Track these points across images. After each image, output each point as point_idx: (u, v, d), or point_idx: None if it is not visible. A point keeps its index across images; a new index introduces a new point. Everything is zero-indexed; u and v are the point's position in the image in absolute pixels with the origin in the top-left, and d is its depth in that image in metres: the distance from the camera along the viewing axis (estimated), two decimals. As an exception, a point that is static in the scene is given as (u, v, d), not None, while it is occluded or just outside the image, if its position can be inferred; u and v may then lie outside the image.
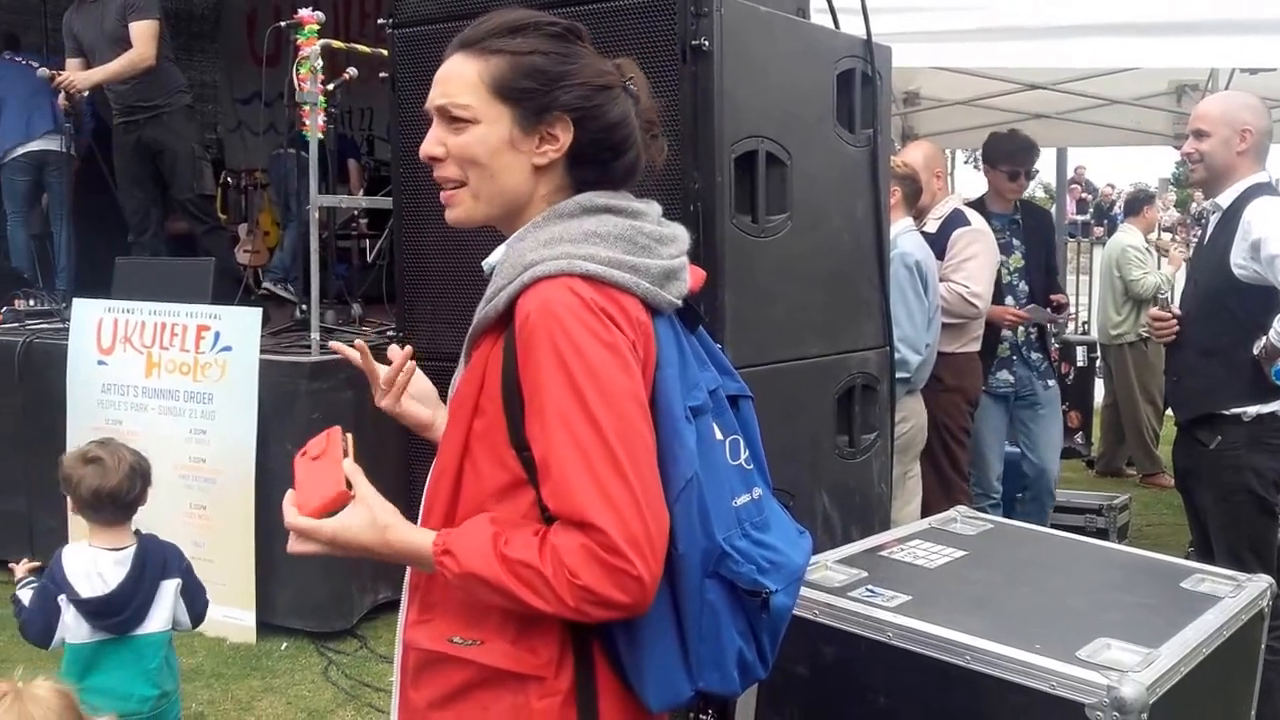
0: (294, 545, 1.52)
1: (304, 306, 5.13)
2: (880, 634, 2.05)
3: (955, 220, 4.56)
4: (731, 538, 1.48)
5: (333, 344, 1.86)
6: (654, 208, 1.58)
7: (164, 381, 4.82)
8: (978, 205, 4.92)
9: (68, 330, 5.17)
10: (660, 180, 2.45)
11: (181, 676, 4.19)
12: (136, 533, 2.95)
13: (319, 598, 4.64)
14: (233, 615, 4.61)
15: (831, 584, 2.23)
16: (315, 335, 4.71)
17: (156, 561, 2.92)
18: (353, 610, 4.69)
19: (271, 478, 4.63)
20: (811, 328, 2.74)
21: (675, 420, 1.45)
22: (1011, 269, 4.88)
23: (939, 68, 5.99)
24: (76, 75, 5.76)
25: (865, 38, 2.88)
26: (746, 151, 2.48)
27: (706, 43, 2.34)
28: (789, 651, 1.67)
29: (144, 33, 5.71)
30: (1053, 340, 5.26)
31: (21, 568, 2.98)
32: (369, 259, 6.84)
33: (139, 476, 2.90)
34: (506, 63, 1.49)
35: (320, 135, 4.73)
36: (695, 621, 1.46)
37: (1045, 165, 7.91)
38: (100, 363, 5.01)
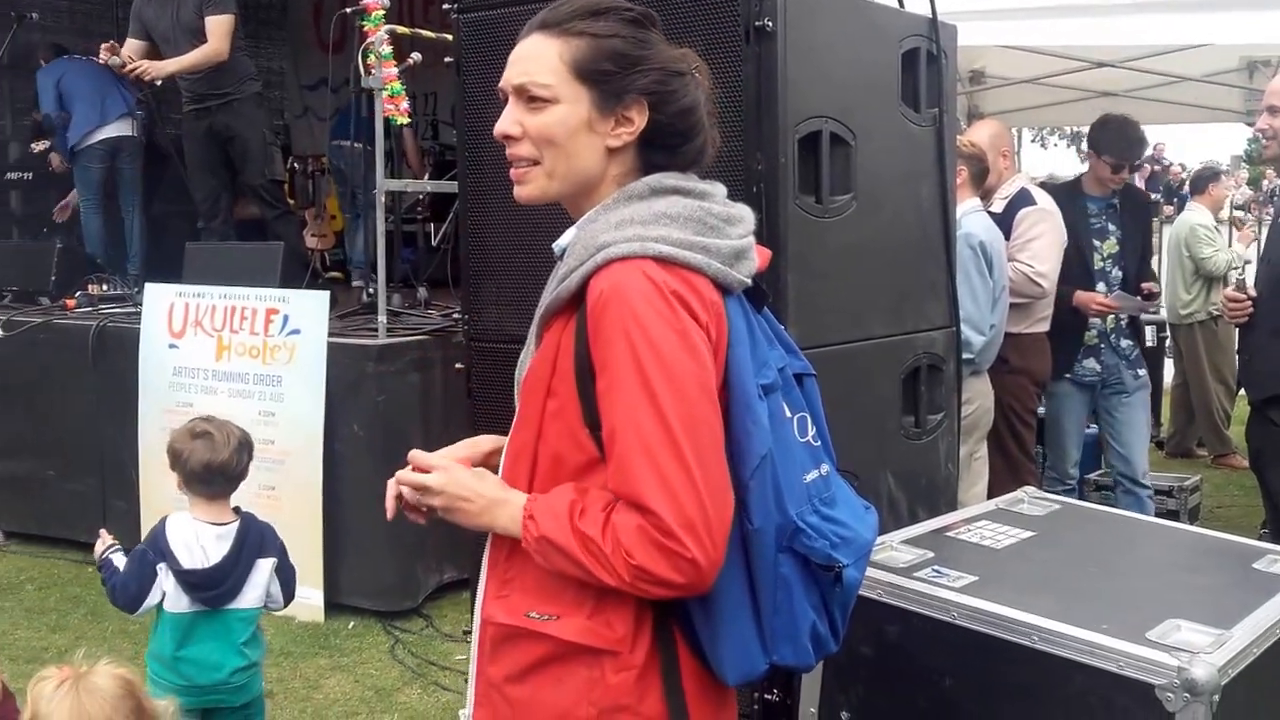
0: (411, 494, 1.59)
1: (371, 290, 5.21)
2: (945, 614, 2.05)
3: (1021, 200, 4.51)
4: (804, 513, 1.51)
5: None
6: (719, 189, 1.60)
7: (234, 364, 4.93)
8: (1073, 185, 4.81)
9: (140, 314, 5.29)
10: (723, 162, 2.46)
11: (257, 653, 4.33)
12: (237, 510, 3.01)
13: (385, 578, 4.72)
14: (301, 594, 4.67)
15: (897, 564, 2.22)
16: (382, 318, 4.78)
17: (255, 540, 2.98)
18: (418, 590, 4.77)
19: (339, 459, 4.72)
20: (876, 308, 2.73)
21: (749, 398, 1.47)
22: (1105, 255, 4.74)
23: (1005, 46, 5.90)
24: (152, 64, 5.88)
25: (930, 16, 2.85)
26: (810, 132, 2.47)
27: (770, 23, 2.34)
28: (854, 631, 1.68)
29: (220, 28, 5.81)
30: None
31: (106, 537, 3.03)
32: (434, 243, 6.92)
33: (245, 450, 2.98)
34: (587, 45, 1.51)
35: (401, 120, 4.78)
36: (770, 596, 1.48)
37: (1113, 145, 7.77)
38: (171, 346, 5.13)
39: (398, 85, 4.81)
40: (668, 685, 1.49)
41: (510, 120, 1.54)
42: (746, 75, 2.36)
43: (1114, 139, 4.64)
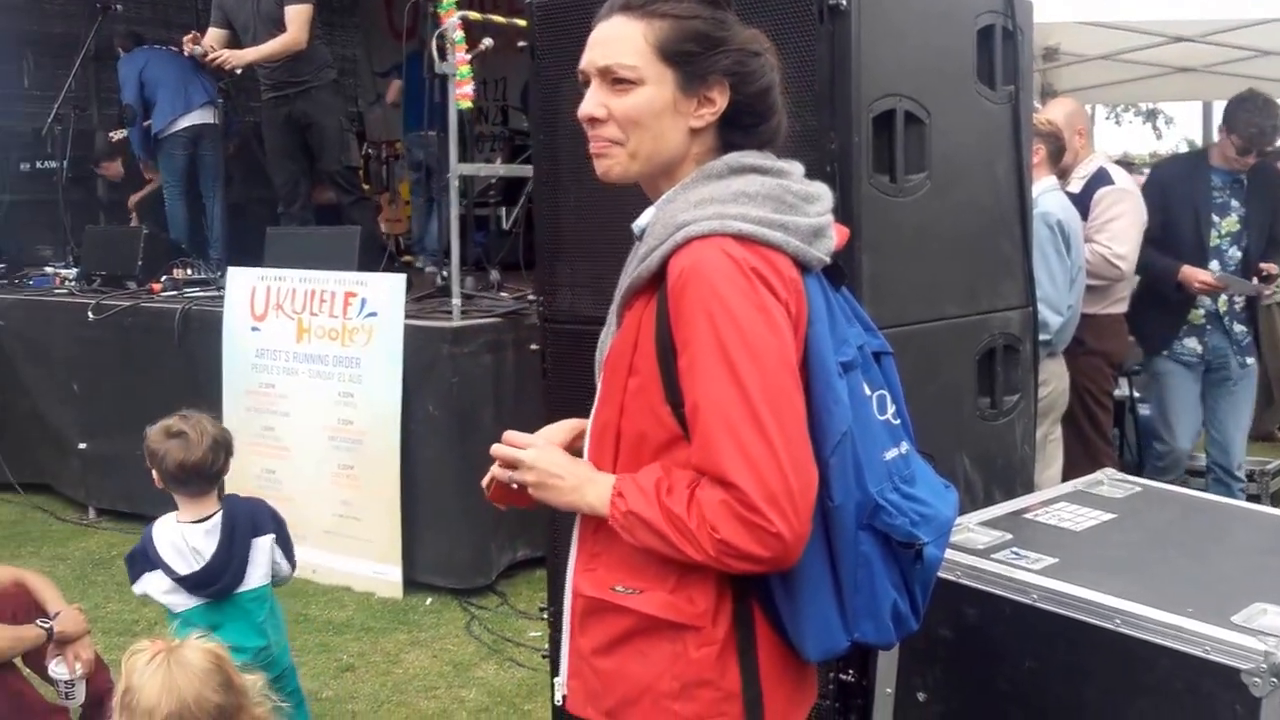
0: (504, 473, 1.63)
1: (445, 273, 5.28)
2: (1025, 596, 2.04)
3: (1100, 179, 4.42)
4: (884, 490, 1.51)
5: None
6: (797, 167, 1.60)
7: (313, 346, 5.04)
8: (1199, 155, 4.65)
9: (223, 298, 5.43)
10: (797, 142, 2.45)
11: (333, 630, 4.45)
12: (220, 497, 3.02)
13: (460, 555, 4.81)
14: (380, 571, 4.82)
15: (975, 546, 2.22)
16: (456, 301, 4.85)
17: (246, 522, 3.00)
18: (491, 568, 4.84)
19: (414, 439, 4.81)
20: (951, 288, 2.71)
21: (829, 375, 1.48)
22: (1223, 232, 4.58)
23: (1079, 21, 5.78)
24: (232, 53, 6.01)
25: (1006, -9, 2.81)
26: (884, 111, 2.45)
27: (844, 2, 2.32)
28: (932, 613, 1.68)
29: (299, 17, 5.92)
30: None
31: None
32: (505, 226, 6.98)
33: (221, 449, 2.97)
34: (670, 26, 1.52)
35: (465, 104, 4.83)
36: (850, 573, 1.50)
37: (1191, 120, 7.60)
38: (254, 328, 5.26)
39: (465, 70, 4.86)
40: (743, 661, 1.50)
41: (595, 103, 1.56)
42: (820, 54, 2.35)
43: (1246, 121, 4.44)
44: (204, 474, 2.94)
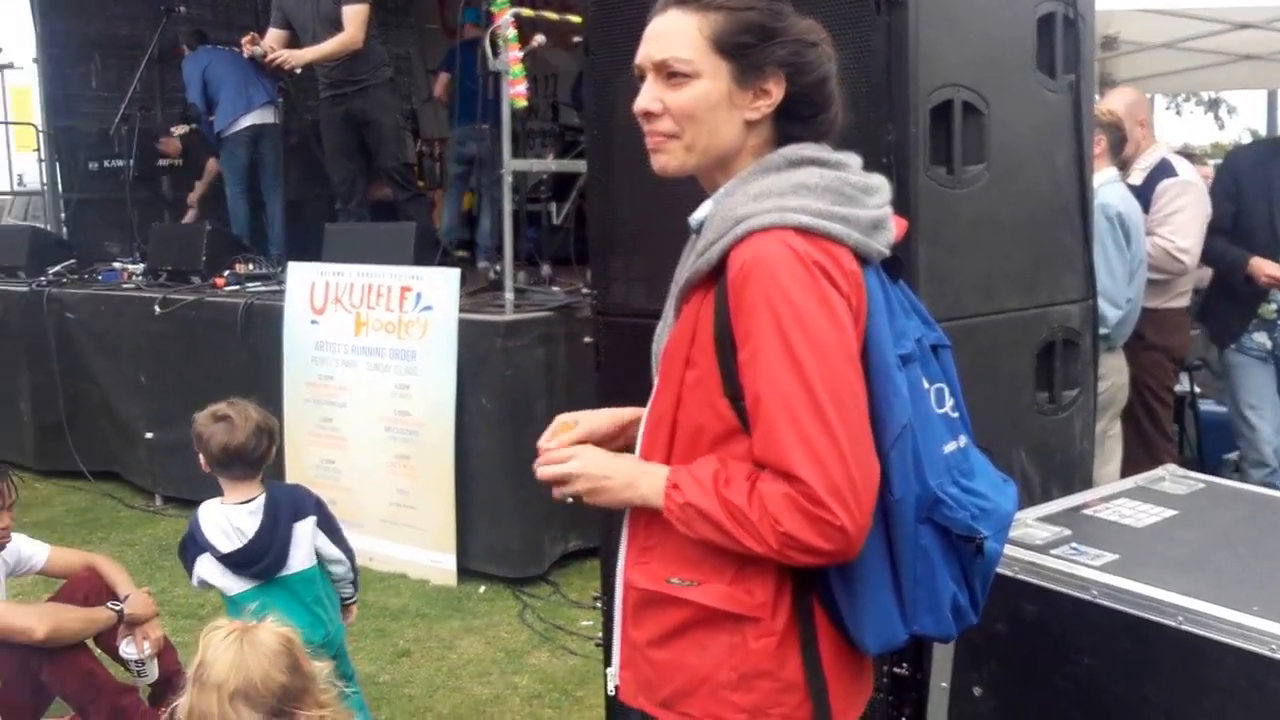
0: (558, 490, 1.63)
1: (498, 268, 5.32)
2: (1085, 593, 2.02)
3: (1162, 171, 4.34)
4: (943, 484, 1.51)
5: None
6: (855, 159, 1.59)
7: (371, 339, 5.11)
8: (1275, 144, 4.50)
9: (284, 292, 5.53)
10: (853, 133, 2.43)
11: (389, 616, 4.51)
12: (263, 482, 3.09)
13: (513, 545, 4.86)
14: (435, 559, 4.88)
15: (1033, 541, 2.19)
16: (509, 295, 4.90)
17: (287, 506, 3.06)
18: (544, 557, 4.89)
19: (468, 431, 4.86)
20: (1009, 280, 2.68)
21: (888, 368, 1.48)
22: None
23: (1139, 9, 5.67)
24: (290, 53, 6.10)
25: (1068, -21, 2.77)
26: (942, 101, 2.43)
27: (902, -9, 2.31)
28: (989, 608, 1.66)
29: (357, 17, 6.01)
30: None
31: None
32: (556, 222, 7.02)
33: (264, 435, 3.04)
34: (725, 18, 1.52)
35: (520, 103, 4.87)
36: (910, 566, 1.49)
37: (1255, 109, 7.43)
38: (313, 322, 5.35)
39: (518, 69, 4.89)
40: (806, 652, 1.50)
41: (650, 97, 1.56)
42: (876, 44, 2.33)
43: None
44: (246, 458, 3.01)
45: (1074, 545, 2.17)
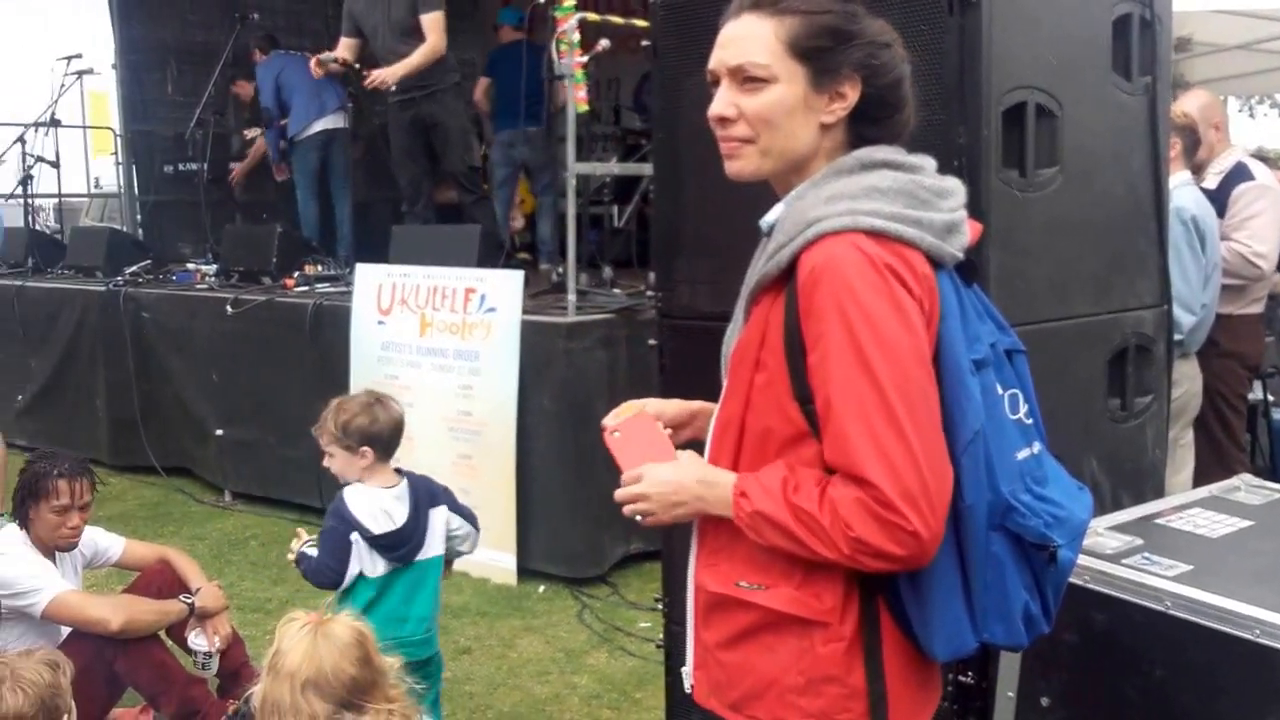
0: (629, 509, 1.63)
1: (560, 270, 5.36)
2: (1158, 603, 1.98)
3: (1238, 174, 4.24)
4: (1016, 491, 1.49)
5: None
6: (929, 162, 1.58)
7: (435, 340, 5.17)
8: None
9: (351, 293, 5.62)
10: (925, 135, 2.41)
11: (450, 613, 4.56)
12: (398, 470, 3.18)
13: (573, 546, 4.89)
14: (495, 558, 4.92)
15: (1104, 550, 2.16)
16: (572, 297, 4.93)
17: (425, 493, 3.17)
18: (604, 559, 4.91)
19: (529, 432, 4.90)
20: (1082, 285, 2.64)
21: (961, 373, 1.47)
22: None
23: (1214, 10, 5.55)
24: (385, 74, 6.11)
25: (1144, -20, 2.73)
26: (1015, 104, 2.40)
27: (974, -8, 2.29)
28: (1058, 617, 1.63)
29: (437, 24, 6.07)
30: None
31: (302, 534, 3.22)
32: (618, 224, 7.05)
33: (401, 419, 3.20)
34: (800, 22, 1.51)
35: (582, 108, 4.91)
36: (980, 573, 1.48)
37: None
38: (380, 322, 5.43)
39: (580, 74, 4.92)
40: (869, 659, 1.50)
41: (725, 102, 1.55)
42: (949, 46, 2.31)
43: None
44: (401, 436, 3.15)
45: (1146, 555, 2.14)
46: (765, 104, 1.52)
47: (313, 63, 6.44)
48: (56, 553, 3.51)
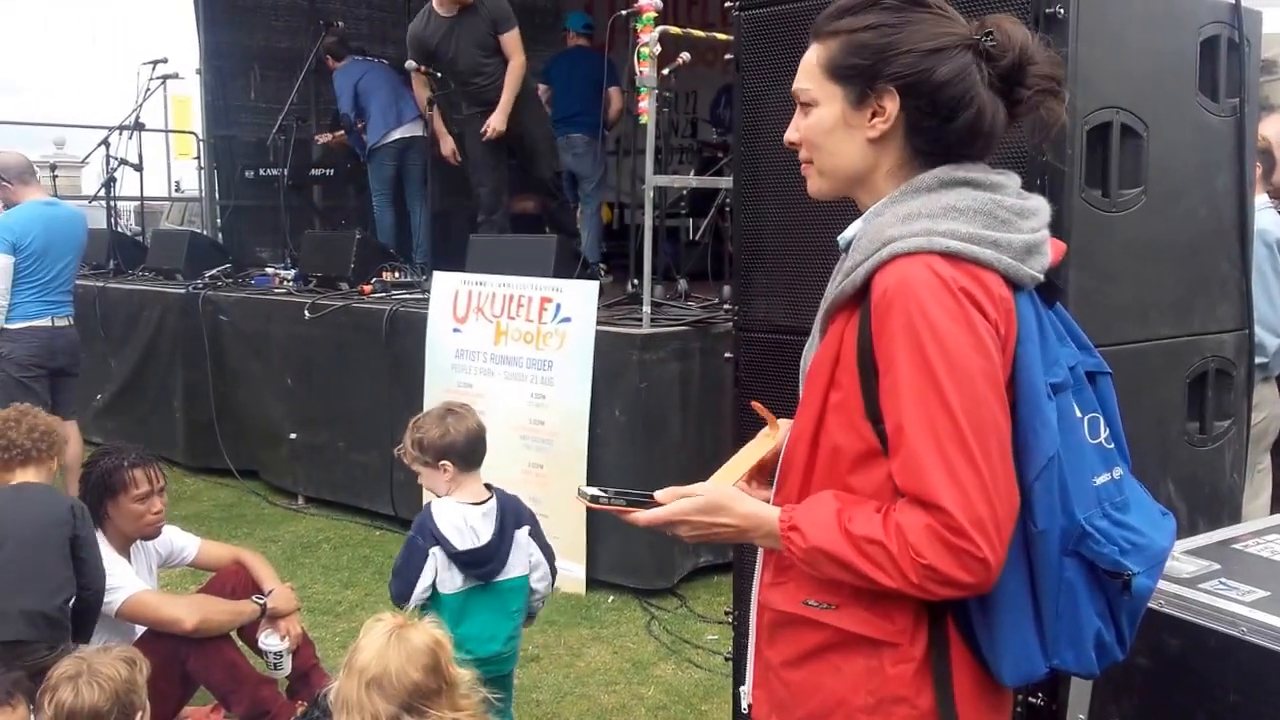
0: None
1: (635, 281, 5.40)
2: (1234, 629, 1.96)
3: (1320, 198, 4.15)
4: (1092, 517, 1.47)
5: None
6: (1013, 180, 1.56)
7: (509, 349, 5.24)
8: None
9: (428, 300, 5.70)
10: (1007, 154, 2.42)
11: (519, 622, 4.60)
12: (488, 486, 3.19)
13: (642, 557, 4.90)
14: (565, 568, 4.93)
15: (1180, 574, 2.14)
16: (646, 309, 4.96)
17: (512, 513, 3.17)
18: (673, 571, 4.92)
19: (600, 442, 4.94)
20: (1162, 307, 2.62)
21: (1037, 397, 1.45)
22: None
23: (1301, 32, 5.42)
24: (495, 122, 6.26)
25: (1233, 1, 2.70)
26: (1100, 123, 2.40)
27: (1061, 10, 2.29)
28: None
29: (517, 41, 6.21)
30: None
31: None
32: (694, 237, 7.08)
33: (483, 430, 3.20)
34: (838, 44, 1.53)
35: (643, 119, 4.96)
36: (1052, 599, 1.46)
37: None
38: (455, 330, 5.51)
39: (643, 85, 4.97)
40: (939, 682, 1.48)
41: (791, 127, 1.61)
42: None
43: None
44: (484, 445, 3.14)
45: (1223, 580, 2.11)
46: (809, 126, 1.57)
47: (447, 153, 6.60)
48: (131, 550, 3.57)
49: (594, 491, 1.63)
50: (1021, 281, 1.49)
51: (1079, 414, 1.52)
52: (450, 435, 3.09)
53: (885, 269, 1.45)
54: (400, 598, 3.05)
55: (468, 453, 3.11)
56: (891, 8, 1.51)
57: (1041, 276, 1.53)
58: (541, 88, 7.41)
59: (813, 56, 1.56)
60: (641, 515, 1.59)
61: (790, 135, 1.61)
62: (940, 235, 1.44)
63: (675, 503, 1.57)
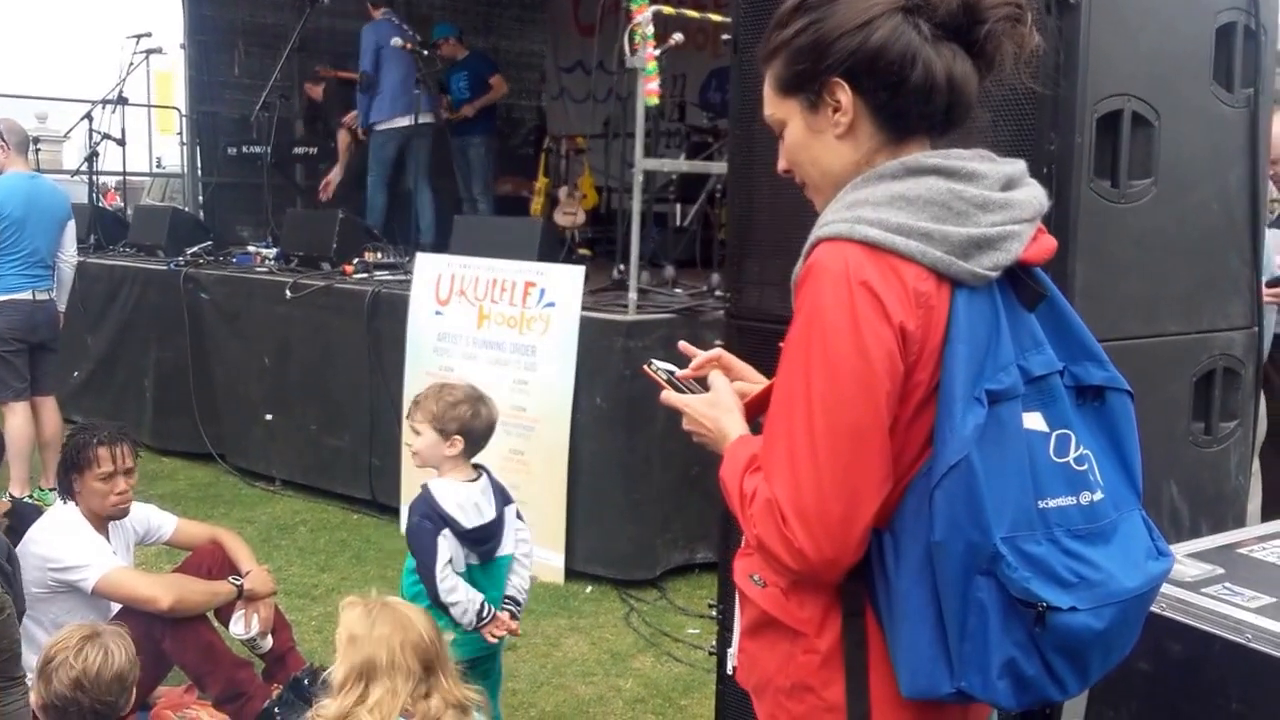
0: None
1: (621, 267, 5.32)
2: (1238, 635, 1.92)
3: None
4: (1019, 539, 1.36)
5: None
6: (994, 170, 1.46)
7: (492, 333, 5.15)
8: None
9: (410, 281, 5.61)
10: (1014, 141, 2.34)
11: (495, 609, 4.53)
12: (475, 465, 3.12)
13: (622, 547, 4.84)
14: (543, 556, 4.87)
15: (1183, 579, 2.09)
16: (632, 295, 4.88)
17: (500, 490, 3.14)
18: (654, 562, 4.85)
19: (583, 430, 4.86)
20: (1170, 303, 2.55)
21: (949, 401, 1.37)
22: None
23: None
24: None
25: (1249, -12, 2.63)
26: (1110, 111, 2.32)
27: (1074, -6, 2.21)
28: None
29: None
30: None
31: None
32: (682, 224, 7.01)
33: None
34: (780, 60, 1.51)
35: (652, 100, 4.86)
36: (957, 617, 1.37)
37: None
38: (437, 313, 5.42)
39: (652, 66, 4.87)
40: (852, 677, 1.45)
41: (779, 157, 1.59)
42: (1046, 50, 2.24)
43: None
44: (490, 437, 3.14)
45: (1227, 585, 2.08)
46: (787, 149, 1.56)
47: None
48: (109, 527, 3.52)
49: (666, 366, 1.74)
50: (958, 278, 1.40)
51: (1042, 427, 1.41)
52: (479, 419, 3.06)
53: (812, 253, 1.44)
54: (436, 599, 2.90)
55: (480, 440, 3.09)
56: (815, 5, 1.47)
57: (992, 274, 1.41)
58: None
59: (768, 81, 1.54)
60: (665, 395, 1.70)
61: (780, 165, 1.59)
62: (866, 224, 1.40)
63: (691, 395, 1.66)
